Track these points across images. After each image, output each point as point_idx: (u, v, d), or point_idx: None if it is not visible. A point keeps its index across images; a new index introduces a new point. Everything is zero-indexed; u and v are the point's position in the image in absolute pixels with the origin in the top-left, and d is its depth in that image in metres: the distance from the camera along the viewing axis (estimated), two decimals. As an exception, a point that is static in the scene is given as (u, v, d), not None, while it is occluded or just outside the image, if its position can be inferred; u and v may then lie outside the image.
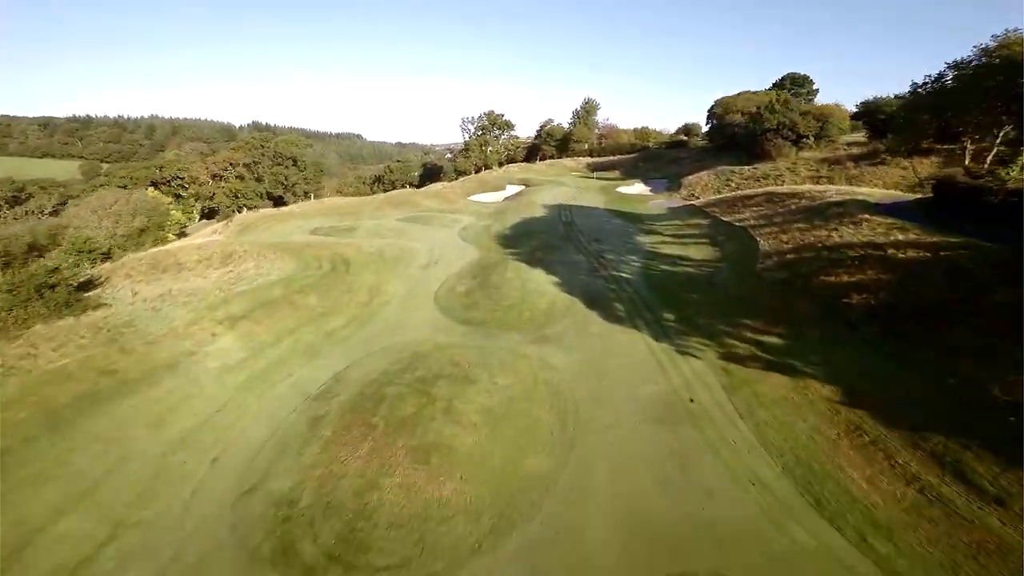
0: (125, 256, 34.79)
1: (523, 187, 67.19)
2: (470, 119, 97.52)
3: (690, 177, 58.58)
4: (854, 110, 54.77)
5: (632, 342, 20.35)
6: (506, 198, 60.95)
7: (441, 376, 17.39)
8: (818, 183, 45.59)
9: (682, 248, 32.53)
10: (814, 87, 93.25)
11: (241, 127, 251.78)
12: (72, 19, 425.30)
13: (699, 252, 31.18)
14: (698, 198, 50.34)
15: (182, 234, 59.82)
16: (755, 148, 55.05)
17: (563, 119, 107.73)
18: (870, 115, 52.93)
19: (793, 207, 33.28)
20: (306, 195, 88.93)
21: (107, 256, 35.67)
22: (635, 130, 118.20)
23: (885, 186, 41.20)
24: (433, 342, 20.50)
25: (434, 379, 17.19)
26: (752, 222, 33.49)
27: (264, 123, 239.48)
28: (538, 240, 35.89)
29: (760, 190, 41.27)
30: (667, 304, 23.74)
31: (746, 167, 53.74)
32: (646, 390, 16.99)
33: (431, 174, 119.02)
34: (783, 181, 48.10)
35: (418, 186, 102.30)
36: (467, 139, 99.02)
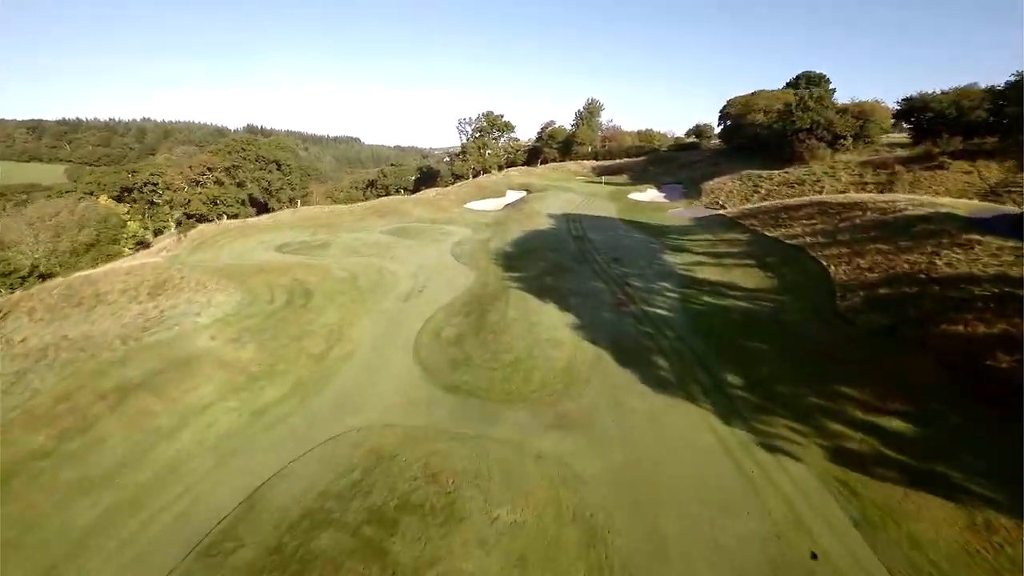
0: (62, 278, 28.34)
1: (524, 193, 60.85)
2: (467, 120, 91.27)
3: (711, 183, 52.21)
4: (895, 107, 48.68)
5: (693, 428, 13.91)
6: (506, 206, 54.61)
7: (409, 504, 10.93)
8: (864, 189, 39.35)
9: (724, 272, 26.13)
10: (830, 86, 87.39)
11: (236, 130, 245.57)
12: (66, 21, 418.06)
13: (748, 278, 24.77)
14: (725, 207, 43.96)
15: (147, 245, 53.44)
16: (784, 150, 48.72)
17: (565, 122, 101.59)
18: (915, 113, 46.69)
19: (858, 221, 26.92)
20: (291, 201, 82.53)
21: (24, 280, 29.18)
22: (639, 132, 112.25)
23: (949, 193, 34.92)
24: (404, 430, 14.03)
25: (398, 512, 10.73)
26: (808, 239, 27.12)
27: (259, 126, 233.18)
28: (546, 260, 29.47)
29: (805, 199, 34.92)
30: (727, 359, 17.33)
31: (775, 171, 47.42)
32: (734, 531, 10.56)
33: (428, 178, 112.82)
34: (822, 187, 41.81)
35: (413, 191, 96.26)
36: (464, 142, 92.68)
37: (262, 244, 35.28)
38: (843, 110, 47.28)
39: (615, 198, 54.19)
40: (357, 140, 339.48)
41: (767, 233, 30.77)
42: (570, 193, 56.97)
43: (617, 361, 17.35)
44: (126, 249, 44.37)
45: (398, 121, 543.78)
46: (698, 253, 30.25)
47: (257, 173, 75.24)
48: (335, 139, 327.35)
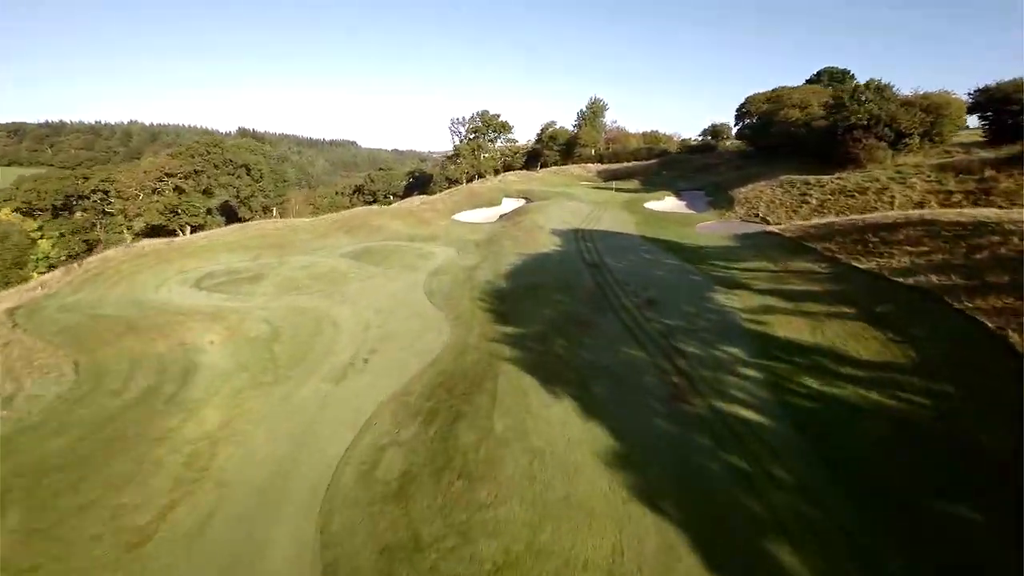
0: None
1: (523, 201, 52.38)
2: (460, 120, 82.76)
3: (742, 190, 43.76)
4: (967, 99, 40.31)
5: None
6: (502, 217, 46.07)
7: None
8: (950, 201, 30.87)
9: (815, 328, 17.48)
10: (855, 83, 79.56)
11: (228, 133, 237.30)
12: (52, 21, 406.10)
13: (860, 343, 16.11)
14: (768, 220, 35.50)
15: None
16: (833, 151, 40.27)
17: (567, 123, 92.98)
18: (993, 106, 38.24)
19: (1004, 251, 18.33)
20: (266, 211, 73.87)
21: None
22: (644, 134, 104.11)
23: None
24: None
25: None
26: (935, 279, 18.49)
27: (251, 129, 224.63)
28: (552, 306, 20.83)
29: (897, 215, 26.20)
30: (922, 561, 8.70)
31: (824, 177, 38.90)
32: None
33: (420, 183, 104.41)
34: (892, 198, 33.26)
35: (404, 197, 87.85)
36: (457, 143, 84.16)
37: (180, 275, 26.61)
38: (908, 103, 38.76)
39: (629, 208, 45.67)
40: (354, 144, 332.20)
41: (856, 264, 22.14)
42: (575, 201, 48.45)
43: (707, 565, 8.67)
44: (35, 273, 35.82)
45: (396, 124, 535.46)
46: (762, 291, 21.63)
47: (224, 179, 66.70)
48: (331, 143, 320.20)
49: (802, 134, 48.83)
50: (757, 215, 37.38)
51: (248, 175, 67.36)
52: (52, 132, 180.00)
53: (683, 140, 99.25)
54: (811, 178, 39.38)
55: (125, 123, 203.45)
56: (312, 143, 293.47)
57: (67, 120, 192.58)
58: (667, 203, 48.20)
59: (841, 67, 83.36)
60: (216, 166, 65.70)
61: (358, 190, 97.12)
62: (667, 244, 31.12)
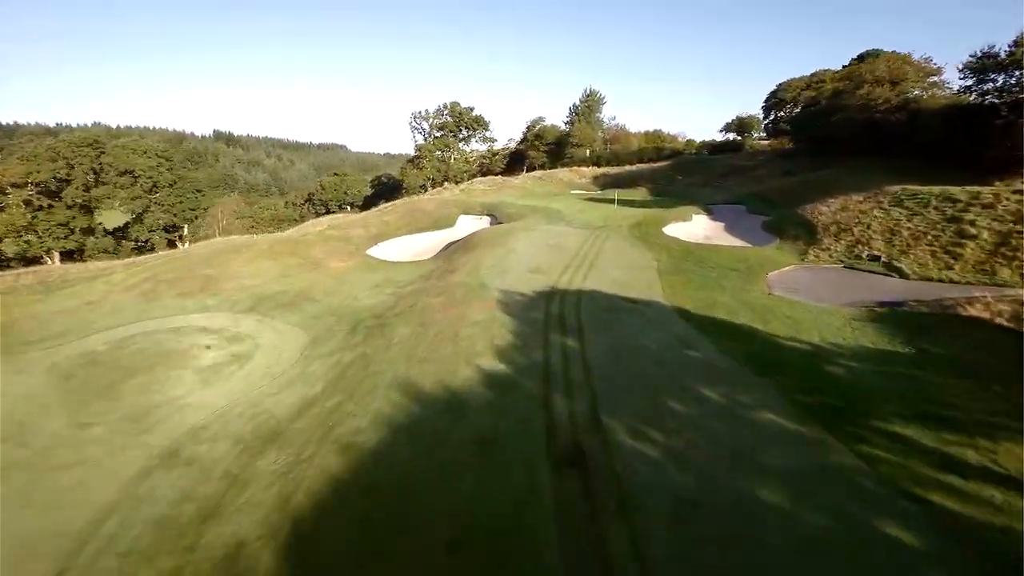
0: None
1: (487, 221, 35.77)
2: (423, 114, 65.93)
3: (823, 208, 27.11)
4: None
5: None
6: (444, 250, 29.24)
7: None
8: None
9: None
10: None
11: (204, 136, 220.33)
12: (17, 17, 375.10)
13: None
14: (902, 270, 18.84)
15: None
16: (982, 146, 23.61)
17: (558, 121, 76.07)
18: None
19: None
20: (171, 231, 57.05)
21: None
22: (646, 134, 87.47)
23: None
24: None
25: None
26: None
27: (227, 131, 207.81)
28: None
29: None
30: None
31: (981, 188, 22.27)
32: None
33: (387, 191, 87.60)
34: None
35: (363, 208, 71.42)
36: (421, 143, 67.37)
37: None
38: None
39: (641, 235, 28.84)
40: (343, 147, 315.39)
41: None
42: (559, 224, 31.72)
43: None
44: None
45: (389, 127, 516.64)
46: None
47: (100, 190, 49.88)
48: (319, 146, 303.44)
49: (892, 121, 32.29)
50: (876, 257, 20.65)
51: (135, 184, 50.59)
52: (4, 135, 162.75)
53: (688, 140, 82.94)
54: (955, 191, 22.61)
55: (89, 125, 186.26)
56: (298, 147, 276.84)
57: (22, 122, 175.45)
58: (697, 226, 31.43)
59: (888, 49, 67.18)
60: (92, 173, 49.13)
61: (309, 199, 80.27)
62: (742, 345, 14.22)
